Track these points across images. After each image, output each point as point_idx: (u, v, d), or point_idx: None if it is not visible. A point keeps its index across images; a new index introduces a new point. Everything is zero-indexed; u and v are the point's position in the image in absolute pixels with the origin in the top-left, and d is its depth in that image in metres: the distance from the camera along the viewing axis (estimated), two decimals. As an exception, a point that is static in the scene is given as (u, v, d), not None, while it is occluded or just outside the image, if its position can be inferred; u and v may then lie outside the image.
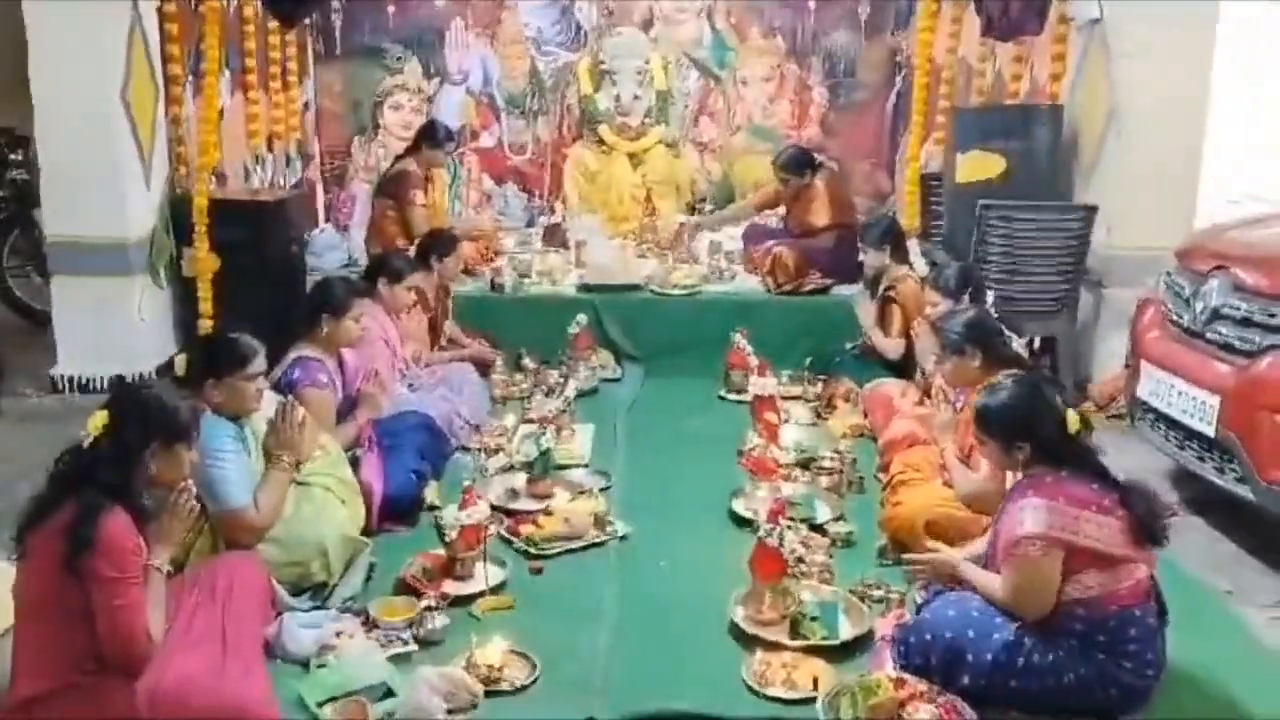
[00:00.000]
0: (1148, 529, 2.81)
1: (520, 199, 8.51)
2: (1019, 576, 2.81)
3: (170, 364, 3.57)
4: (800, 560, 3.49)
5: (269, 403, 3.51)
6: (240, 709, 2.65)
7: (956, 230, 5.92)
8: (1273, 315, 3.86)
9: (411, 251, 5.63)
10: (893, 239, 5.44)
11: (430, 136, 6.59)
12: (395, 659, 3.05)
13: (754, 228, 7.01)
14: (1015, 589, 2.82)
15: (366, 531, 3.71)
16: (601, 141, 7.79)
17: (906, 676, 2.80)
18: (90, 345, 5.69)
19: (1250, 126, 7.08)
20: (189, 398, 3.04)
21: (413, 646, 3.14)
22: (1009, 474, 3.19)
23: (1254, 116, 7.16)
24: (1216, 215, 5.44)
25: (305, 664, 3.02)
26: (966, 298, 4.57)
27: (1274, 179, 6.99)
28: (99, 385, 5.62)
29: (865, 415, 4.98)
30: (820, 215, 6.34)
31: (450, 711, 2.78)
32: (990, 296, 4.74)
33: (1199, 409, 4.04)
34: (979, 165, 5.80)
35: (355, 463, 3.87)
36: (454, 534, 3.50)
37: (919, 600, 3.18)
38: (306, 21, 7.64)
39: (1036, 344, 5.70)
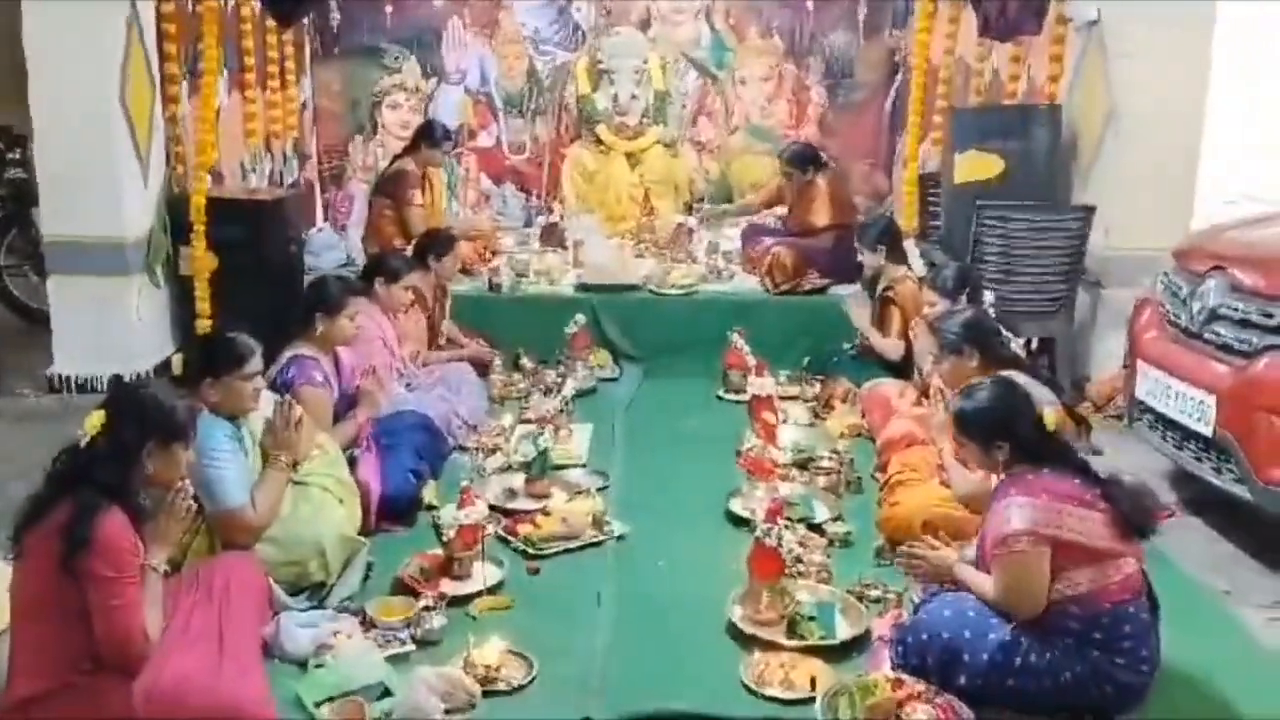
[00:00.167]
0: (1132, 521, 2.82)
1: (518, 198, 8.51)
2: (1008, 575, 2.82)
3: (168, 363, 3.57)
4: (798, 560, 3.49)
5: (266, 402, 3.51)
6: (237, 709, 2.64)
7: (954, 230, 5.92)
8: (1270, 316, 3.86)
9: (409, 251, 5.62)
10: (890, 240, 5.45)
11: (428, 136, 6.59)
12: (393, 659, 3.04)
13: (752, 227, 7.01)
14: (1005, 588, 2.83)
15: (364, 531, 3.70)
16: (599, 141, 7.79)
17: (904, 677, 2.80)
18: (87, 345, 5.68)
19: (1248, 127, 7.08)
20: (186, 397, 3.04)
21: (410, 646, 3.14)
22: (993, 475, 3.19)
23: (1251, 117, 7.16)
24: (1214, 216, 5.44)
25: (303, 664, 3.01)
26: (964, 298, 4.57)
27: (1271, 179, 6.99)
28: (96, 385, 5.61)
29: (863, 415, 4.98)
30: (821, 214, 6.34)
31: (448, 711, 2.78)
32: (988, 297, 4.74)
33: (1197, 409, 4.05)
34: (977, 165, 5.80)
35: (353, 462, 3.87)
36: (452, 534, 3.50)
37: (916, 600, 3.18)
38: (304, 21, 7.63)
39: (1034, 344, 5.72)
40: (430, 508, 4.03)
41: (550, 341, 5.78)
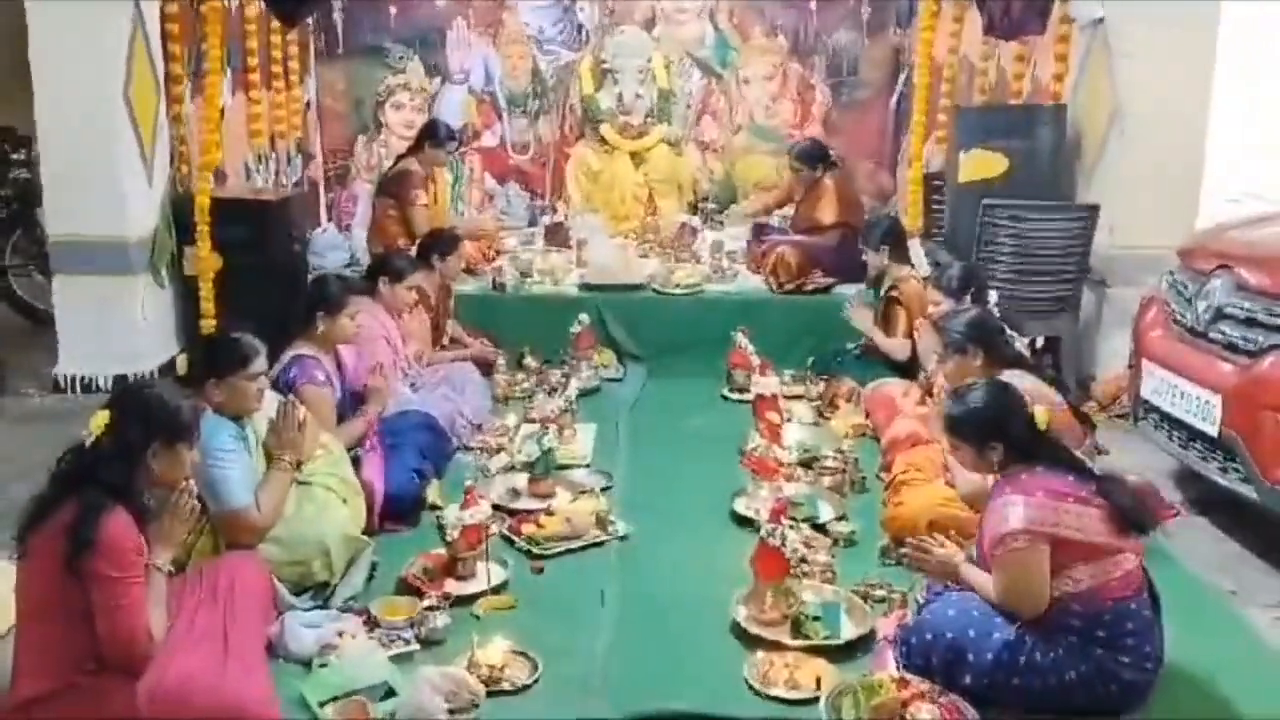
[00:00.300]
0: (1129, 517, 2.82)
1: (522, 198, 8.51)
2: (1007, 574, 2.82)
3: (172, 363, 3.58)
4: (802, 560, 3.48)
5: (270, 403, 3.51)
6: (242, 709, 2.64)
7: (959, 229, 5.92)
8: (1275, 315, 3.85)
9: (413, 251, 5.62)
10: (893, 239, 5.44)
11: (432, 136, 6.58)
12: (397, 659, 3.04)
13: (757, 226, 7.01)
14: (1006, 587, 2.83)
15: (368, 531, 3.70)
16: (603, 141, 7.79)
17: (909, 676, 2.80)
18: (92, 345, 5.69)
19: (1253, 126, 7.07)
20: (191, 397, 3.04)
21: (414, 646, 3.14)
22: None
23: (1256, 116, 7.16)
24: (1219, 214, 5.44)
25: (307, 664, 3.01)
26: (969, 297, 4.56)
27: (1276, 178, 6.97)
28: (101, 385, 5.63)
29: (867, 415, 4.97)
30: (827, 212, 6.34)
31: (451, 711, 2.77)
32: (993, 296, 4.73)
33: (1202, 409, 4.04)
34: (981, 164, 5.80)
35: (357, 462, 3.87)
36: (455, 533, 3.49)
37: (920, 600, 3.18)
38: (308, 21, 7.64)
39: (1039, 343, 5.70)
40: (434, 507, 4.03)
41: (554, 341, 5.78)
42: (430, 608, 3.23)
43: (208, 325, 5.57)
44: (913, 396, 4.70)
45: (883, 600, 3.40)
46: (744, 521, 3.97)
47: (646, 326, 6.12)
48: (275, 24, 6.97)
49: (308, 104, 8.10)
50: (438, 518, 3.86)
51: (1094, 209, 5.55)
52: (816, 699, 2.84)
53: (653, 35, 8.18)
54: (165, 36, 5.86)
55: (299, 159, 7.77)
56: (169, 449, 2.80)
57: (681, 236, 7.07)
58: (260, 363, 3.44)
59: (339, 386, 4.16)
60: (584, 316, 5.72)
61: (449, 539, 3.52)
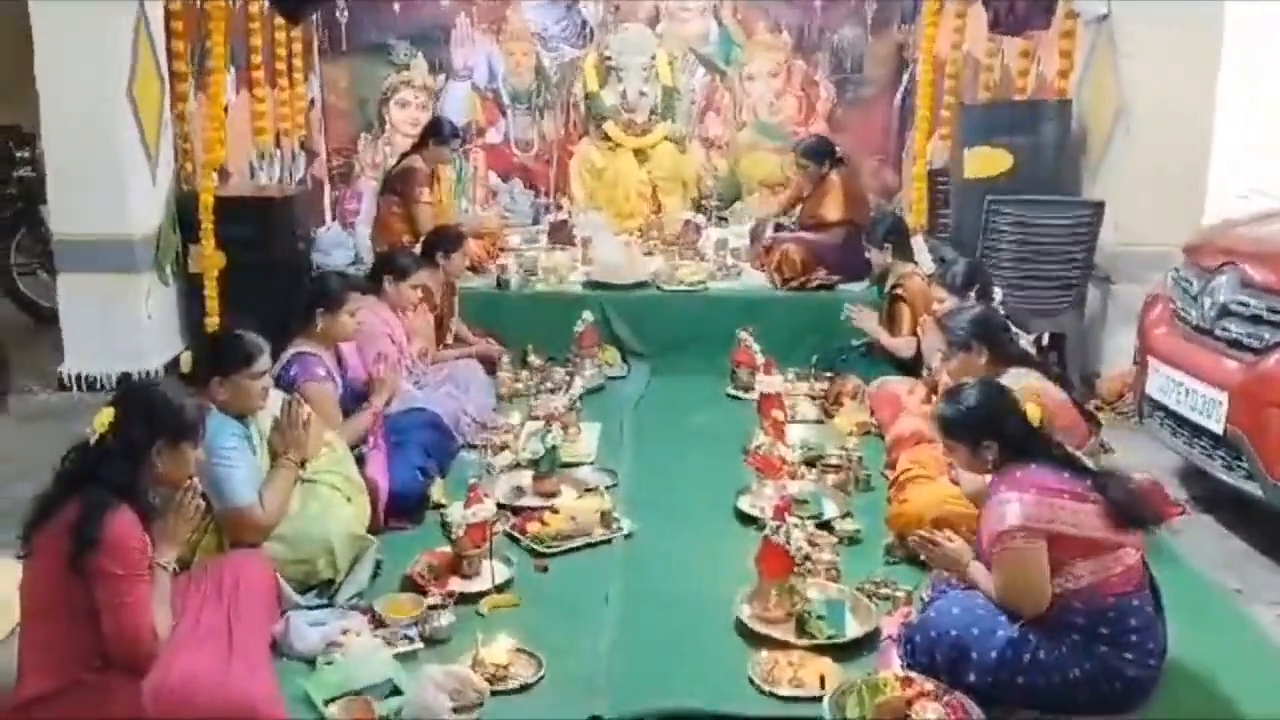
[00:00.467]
0: (1126, 512, 2.82)
1: (526, 195, 8.51)
2: (1006, 572, 2.82)
3: (177, 361, 3.58)
4: (807, 558, 3.47)
5: (274, 401, 3.51)
6: (246, 707, 2.64)
7: (964, 226, 5.91)
8: (1281, 312, 3.84)
9: (417, 248, 5.62)
10: (897, 237, 5.43)
11: (436, 133, 6.58)
12: (401, 657, 3.04)
13: (761, 224, 7.00)
14: (1006, 585, 2.83)
15: (373, 529, 3.70)
16: (607, 138, 7.79)
17: (913, 675, 2.80)
18: (97, 343, 5.70)
19: (1257, 123, 7.05)
20: (195, 396, 3.04)
21: (419, 644, 3.14)
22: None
23: (1261, 113, 7.13)
24: (1225, 211, 5.42)
25: (311, 662, 3.01)
26: (973, 294, 4.55)
27: (1282, 175, 6.95)
28: (106, 383, 5.64)
29: (872, 412, 4.97)
30: (832, 209, 6.33)
31: (456, 709, 2.77)
32: (997, 293, 4.72)
33: (1207, 406, 4.03)
34: (986, 161, 5.79)
35: (361, 460, 3.87)
36: (460, 532, 3.49)
37: (925, 598, 3.17)
38: (312, 18, 7.64)
39: (1044, 340, 5.70)
40: (438, 506, 4.03)
41: (558, 339, 5.77)
42: (435, 606, 3.22)
43: (212, 323, 5.58)
44: (917, 394, 4.69)
45: (887, 598, 3.39)
46: (748, 519, 3.97)
47: (650, 324, 6.12)
48: (279, 21, 6.99)
49: (312, 101, 8.11)
50: (442, 516, 3.85)
51: (1099, 205, 5.54)
52: (820, 697, 2.83)
53: (657, 32, 8.18)
54: (169, 34, 5.87)
55: (303, 157, 7.77)
56: (173, 447, 2.80)
57: (685, 234, 7.07)
58: (264, 361, 3.45)
59: (340, 383, 4.15)
60: (588, 314, 5.71)
61: (453, 537, 3.52)
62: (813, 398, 5.41)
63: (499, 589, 3.46)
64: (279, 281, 5.60)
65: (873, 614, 3.26)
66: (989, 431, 2.98)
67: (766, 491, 4.06)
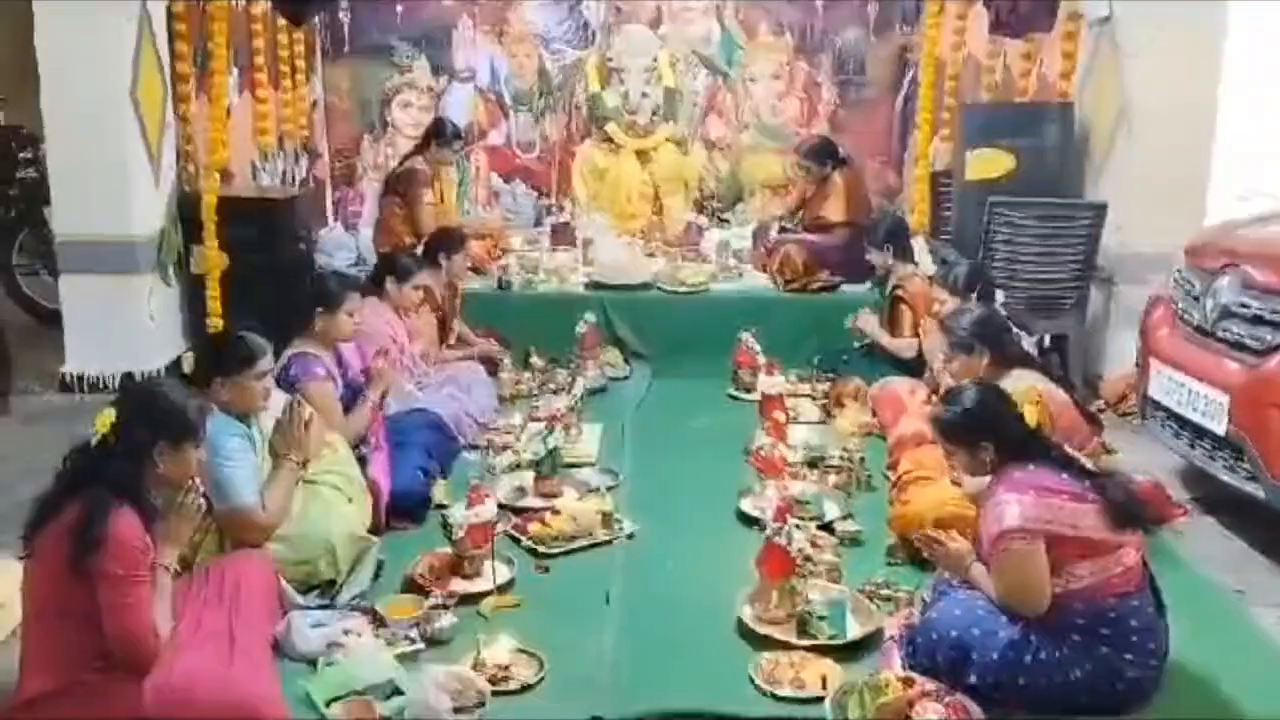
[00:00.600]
0: (1125, 512, 2.82)
1: (528, 197, 8.52)
2: (1006, 574, 2.82)
3: (179, 362, 3.58)
4: (808, 559, 3.47)
5: (276, 402, 3.51)
6: (248, 707, 2.64)
7: (966, 228, 5.91)
8: (1284, 313, 3.84)
9: (420, 250, 5.63)
10: (897, 238, 5.43)
11: (438, 134, 6.59)
12: (403, 657, 3.04)
13: (763, 225, 7.00)
14: (1005, 587, 2.83)
15: (375, 530, 3.71)
16: (609, 139, 7.79)
17: (915, 676, 2.80)
18: (99, 343, 5.70)
19: (1260, 124, 7.04)
20: (197, 396, 3.04)
21: (420, 645, 3.14)
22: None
23: (1264, 114, 7.12)
24: (1227, 213, 5.41)
25: (313, 662, 3.01)
26: (975, 296, 4.55)
27: (1285, 177, 6.95)
28: (108, 383, 5.64)
29: (874, 413, 4.96)
30: (834, 211, 6.33)
31: (457, 710, 2.77)
32: (999, 295, 4.72)
33: (1209, 407, 4.03)
34: (989, 163, 5.79)
35: (363, 461, 3.88)
36: (461, 532, 3.49)
37: (926, 599, 3.17)
38: (315, 20, 7.65)
39: (1046, 342, 5.70)
40: (440, 506, 4.02)
41: (560, 340, 5.77)
42: (436, 606, 3.23)
43: (214, 324, 5.58)
44: (919, 395, 4.69)
45: (888, 599, 3.39)
46: (750, 520, 3.96)
47: (652, 325, 6.12)
48: (282, 23, 7.00)
49: (314, 103, 8.11)
50: (444, 517, 3.85)
51: (1101, 207, 5.54)
52: (822, 698, 2.83)
53: (659, 34, 8.17)
54: (172, 36, 5.87)
55: (305, 158, 7.78)
56: (175, 448, 2.80)
57: (687, 235, 7.07)
58: (266, 362, 3.45)
59: (340, 383, 4.15)
60: (590, 315, 5.72)
61: (455, 538, 3.52)
62: (814, 399, 5.41)
63: (500, 590, 3.46)
64: (281, 283, 5.61)
65: (874, 615, 3.26)
66: (986, 433, 2.99)
67: (768, 493, 4.06)
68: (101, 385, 5.67)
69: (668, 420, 5.24)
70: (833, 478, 4.33)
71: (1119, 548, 2.81)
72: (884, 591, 3.43)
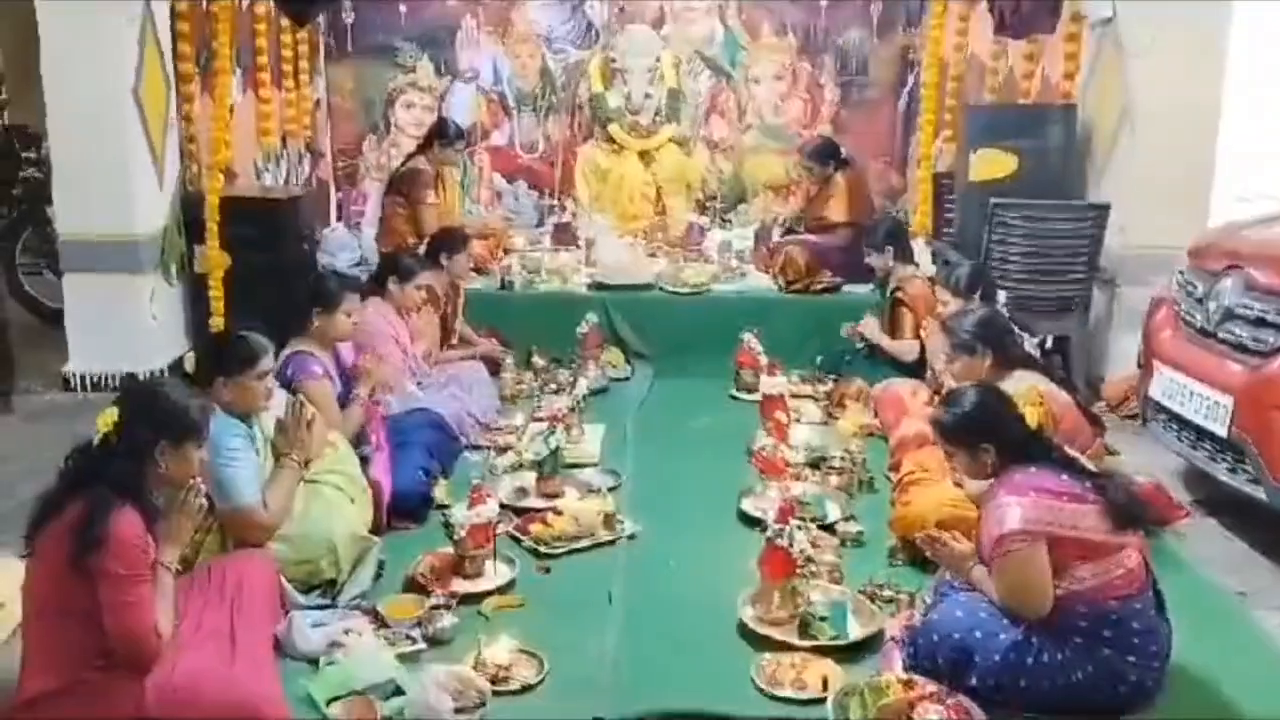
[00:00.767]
0: (1126, 513, 2.81)
1: (531, 197, 8.51)
2: (1007, 576, 2.82)
3: (181, 362, 3.58)
4: (809, 560, 3.47)
5: (278, 401, 3.51)
6: (249, 707, 2.64)
7: (968, 229, 5.91)
8: (1286, 315, 3.83)
9: (422, 250, 5.63)
10: (896, 240, 5.42)
11: (441, 135, 6.59)
12: (404, 657, 3.04)
13: (766, 226, 7.00)
14: (1007, 589, 2.82)
15: (376, 530, 3.71)
16: (612, 140, 7.79)
17: (916, 677, 2.80)
18: (102, 343, 5.71)
19: (1263, 125, 7.04)
20: (199, 396, 3.04)
21: (421, 645, 3.14)
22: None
23: (1267, 115, 7.12)
24: (1230, 214, 5.41)
25: (314, 662, 3.01)
26: (978, 297, 4.55)
27: (1288, 178, 6.94)
28: (111, 383, 5.65)
29: (875, 414, 4.96)
30: (837, 211, 6.33)
31: (458, 710, 2.77)
32: (1002, 296, 4.72)
33: (1212, 409, 4.02)
34: (991, 164, 5.78)
35: (365, 460, 3.88)
36: (463, 532, 3.49)
37: (928, 601, 3.17)
38: (318, 20, 7.65)
39: (1049, 343, 5.69)
40: (441, 506, 4.03)
41: (562, 340, 5.78)
42: (437, 606, 3.23)
43: (217, 324, 5.59)
44: (921, 396, 4.69)
45: (890, 601, 3.39)
46: (751, 521, 3.96)
47: (654, 326, 6.12)
48: (285, 23, 7.00)
49: (317, 103, 8.12)
50: (445, 516, 3.85)
51: (1104, 208, 5.54)
52: (823, 699, 2.83)
53: (662, 34, 8.17)
54: (175, 35, 5.87)
55: (308, 158, 7.78)
56: (177, 447, 2.80)
57: (689, 236, 7.07)
58: (268, 361, 3.45)
59: (338, 382, 4.15)
60: (592, 316, 5.72)
61: (456, 538, 3.52)
62: (816, 400, 5.41)
63: (502, 590, 3.46)
64: (284, 283, 5.61)
65: (875, 616, 3.26)
66: (987, 435, 2.98)
67: (770, 493, 4.05)
68: (104, 384, 5.69)
69: (669, 421, 5.24)
70: (834, 479, 4.33)
71: (1121, 549, 2.80)
72: (885, 593, 3.43)
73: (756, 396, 4.96)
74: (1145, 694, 2.82)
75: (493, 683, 2.91)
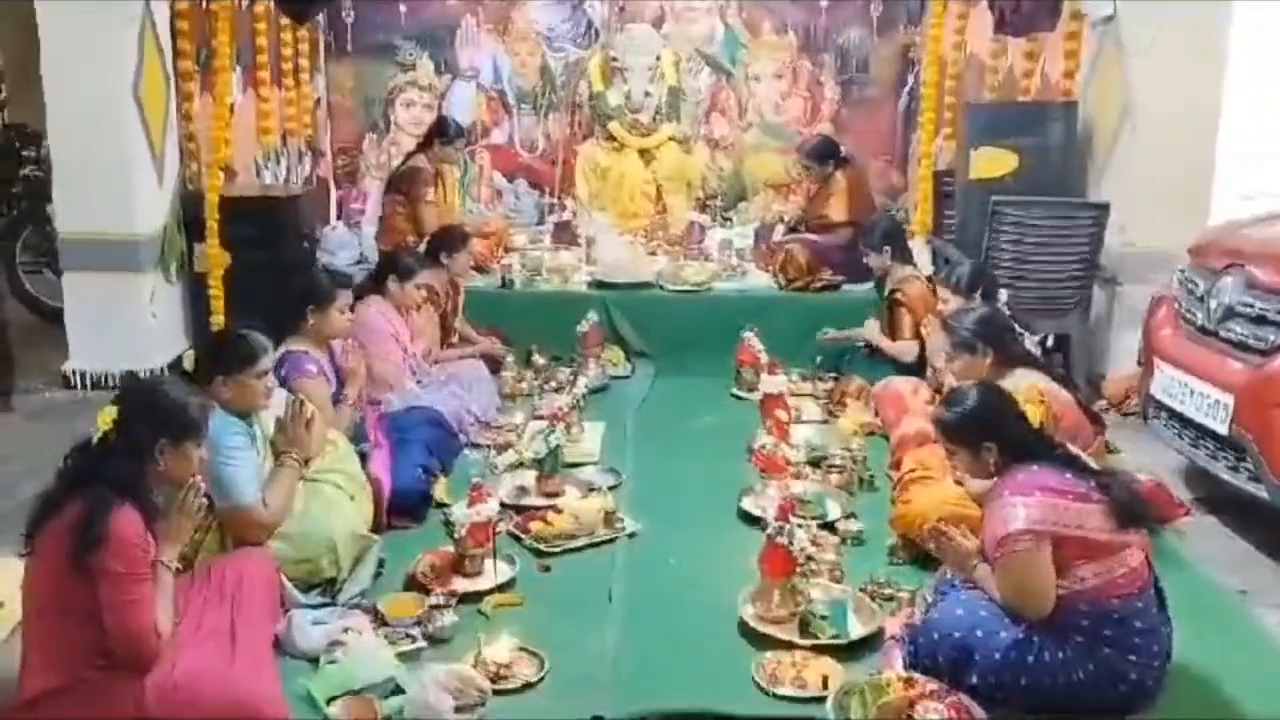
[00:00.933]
0: (1130, 512, 2.81)
1: (531, 195, 8.50)
2: (1011, 576, 2.81)
3: (181, 360, 3.58)
4: (810, 558, 3.48)
5: (278, 400, 3.51)
6: (249, 705, 2.64)
7: (968, 227, 5.90)
8: (1287, 313, 3.83)
9: (422, 248, 5.63)
10: (893, 240, 5.41)
11: (441, 133, 6.59)
12: (404, 656, 3.04)
13: (766, 224, 6.99)
14: (1011, 589, 2.82)
15: (376, 528, 3.71)
16: (612, 138, 7.79)
17: (916, 676, 2.79)
18: (102, 341, 5.71)
19: (1264, 123, 7.03)
20: (199, 394, 3.04)
21: (421, 643, 3.14)
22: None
23: (1268, 113, 7.12)
24: (1231, 212, 5.40)
25: (314, 660, 3.01)
26: (978, 295, 4.55)
27: (1289, 176, 6.93)
28: (111, 381, 5.65)
29: (876, 413, 4.96)
30: (837, 210, 6.32)
31: (458, 709, 2.77)
32: (1003, 294, 4.71)
33: (1212, 407, 4.02)
34: (992, 162, 5.77)
35: (364, 458, 3.87)
36: (463, 531, 3.50)
37: (928, 599, 3.17)
38: (318, 18, 7.65)
39: (1049, 341, 5.69)
40: (441, 505, 4.03)
41: (563, 339, 5.78)
42: (437, 605, 3.23)
43: (217, 322, 5.59)
44: (922, 394, 4.69)
45: (890, 599, 3.39)
46: (752, 520, 3.96)
47: (655, 324, 6.12)
48: (285, 21, 6.99)
49: (317, 101, 8.11)
50: (445, 515, 3.87)
51: (1105, 207, 5.53)
52: (823, 698, 2.83)
53: (662, 33, 8.16)
54: (175, 34, 5.87)
55: (309, 156, 7.78)
56: (177, 446, 2.80)
57: (690, 234, 7.06)
58: (268, 360, 3.44)
59: (333, 380, 4.14)
60: (592, 314, 5.72)
61: (456, 536, 3.53)
62: (817, 398, 5.42)
63: (502, 588, 3.46)
64: (284, 281, 5.60)
65: (876, 615, 3.25)
66: (989, 434, 2.98)
67: (770, 492, 4.06)
68: (104, 383, 5.68)
69: (670, 419, 5.24)
70: (835, 477, 4.32)
71: (1124, 549, 2.80)
72: (886, 591, 3.42)
73: (757, 395, 4.96)
74: (1146, 693, 2.81)
75: (493, 681, 2.90)
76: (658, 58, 7.89)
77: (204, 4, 6.01)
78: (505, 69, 8.42)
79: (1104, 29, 5.73)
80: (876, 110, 8.44)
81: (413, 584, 3.45)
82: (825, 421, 5.12)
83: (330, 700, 2.81)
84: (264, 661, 2.86)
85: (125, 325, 5.68)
